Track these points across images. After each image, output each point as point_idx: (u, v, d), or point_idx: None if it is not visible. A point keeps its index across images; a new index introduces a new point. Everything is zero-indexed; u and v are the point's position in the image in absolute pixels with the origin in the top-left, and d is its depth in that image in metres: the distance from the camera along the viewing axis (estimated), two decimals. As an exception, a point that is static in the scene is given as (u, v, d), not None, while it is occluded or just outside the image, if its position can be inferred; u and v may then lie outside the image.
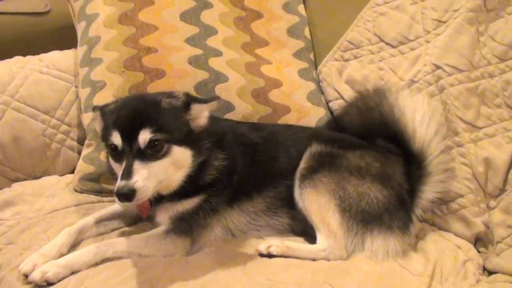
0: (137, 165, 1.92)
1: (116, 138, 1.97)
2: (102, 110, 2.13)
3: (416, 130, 2.29)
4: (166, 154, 1.99)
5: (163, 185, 2.04)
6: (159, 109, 2.04)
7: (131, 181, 1.88)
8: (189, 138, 2.06)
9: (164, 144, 1.98)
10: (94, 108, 2.21)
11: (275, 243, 2.10)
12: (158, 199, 2.14)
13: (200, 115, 2.10)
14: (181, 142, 2.03)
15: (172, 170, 2.03)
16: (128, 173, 1.90)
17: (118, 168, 1.98)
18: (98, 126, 2.17)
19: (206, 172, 2.14)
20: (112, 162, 2.08)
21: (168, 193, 2.11)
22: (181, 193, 2.12)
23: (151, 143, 1.95)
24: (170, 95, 2.10)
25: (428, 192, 2.28)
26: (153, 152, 1.96)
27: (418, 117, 2.31)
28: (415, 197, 2.26)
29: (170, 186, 2.09)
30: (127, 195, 1.87)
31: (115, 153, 2.00)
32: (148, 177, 1.92)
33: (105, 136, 2.06)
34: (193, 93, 2.52)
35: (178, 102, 2.07)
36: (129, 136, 1.96)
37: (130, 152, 1.95)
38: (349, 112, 2.59)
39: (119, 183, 1.89)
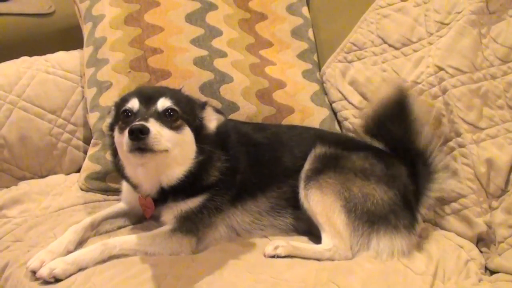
0: (152, 121, 1.93)
1: (133, 103, 2.01)
2: (116, 102, 2.17)
3: (423, 128, 2.31)
4: (179, 128, 2.01)
5: (164, 174, 2.06)
6: (180, 93, 2.14)
7: (146, 123, 1.89)
8: (198, 133, 2.09)
9: (179, 118, 2.01)
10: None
11: (281, 244, 2.11)
12: (163, 199, 2.15)
13: (211, 118, 2.15)
14: (192, 129, 2.07)
15: (177, 152, 2.01)
16: (144, 119, 1.91)
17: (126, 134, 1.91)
18: (110, 118, 2.18)
19: (210, 173, 2.15)
20: (117, 136, 2.05)
21: (170, 186, 2.10)
22: (185, 193, 2.13)
23: (169, 110, 1.99)
24: None
25: (436, 189, 2.30)
26: (168, 120, 1.99)
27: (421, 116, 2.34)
28: (423, 196, 2.28)
29: (171, 176, 2.08)
30: (141, 129, 1.84)
31: (127, 119, 1.99)
32: (161, 133, 1.92)
33: (116, 117, 2.09)
34: (198, 93, 2.55)
35: (195, 99, 2.16)
36: (148, 102, 2.00)
37: (146, 113, 1.97)
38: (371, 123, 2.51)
39: (134, 123, 1.88)
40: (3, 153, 2.59)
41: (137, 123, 1.87)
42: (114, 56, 2.61)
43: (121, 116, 2.04)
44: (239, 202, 2.26)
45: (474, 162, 2.37)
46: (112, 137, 2.15)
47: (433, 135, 2.33)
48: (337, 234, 2.13)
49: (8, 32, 3.20)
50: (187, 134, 2.05)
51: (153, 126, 1.90)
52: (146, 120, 1.92)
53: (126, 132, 1.87)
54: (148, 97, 2.03)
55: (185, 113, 2.04)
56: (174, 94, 2.09)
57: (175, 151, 2.01)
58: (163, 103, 2.00)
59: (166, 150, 1.95)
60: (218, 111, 2.20)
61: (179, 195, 2.14)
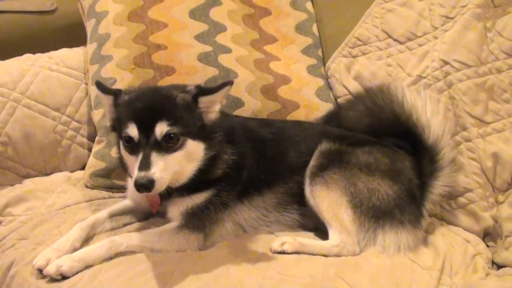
0: (154, 157, 1.93)
1: (133, 130, 1.98)
2: (115, 99, 2.12)
3: (430, 122, 2.31)
4: (181, 147, 2.00)
5: (175, 178, 2.05)
6: (174, 103, 2.05)
7: (150, 172, 1.89)
8: (202, 132, 2.07)
9: (180, 137, 1.99)
10: (104, 89, 2.16)
11: (288, 240, 2.11)
12: (168, 194, 2.14)
13: (211, 107, 2.10)
14: (194, 136, 2.04)
15: (185, 163, 2.04)
16: (146, 164, 1.91)
17: (133, 160, 1.98)
18: (108, 112, 2.15)
19: (216, 166, 2.15)
20: (125, 153, 2.07)
21: (177, 186, 2.11)
22: (190, 188, 2.13)
23: (167, 135, 1.96)
24: (183, 89, 2.11)
25: (440, 186, 2.29)
26: (169, 145, 1.97)
27: (429, 110, 2.33)
28: (426, 192, 2.27)
29: (180, 179, 2.09)
30: (146, 186, 1.88)
31: (130, 145, 2.00)
32: (165, 169, 1.93)
33: (118, 127, 2.07)
34: (203, 88, 2.54)
35: (189, 97, 2.08)
36: (146, 128, 1.97)
37: (146, 144, 1.95)
38: (356, 108, 2.58)
39: (138, 173, 1.89)
40: (7, 151, 2.59)
41: (142, 175, 1.88)
42: (118, 52, 2.61)
43: (123, 139, 2.03)
44: (245, 198, 2.25)
45: (480, 156, 2.37)
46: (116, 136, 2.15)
47: (444, 130, 2.32)
48: (344, 229, 2.13)
49: (11, 29, 3.19)
50: (190, 146, 2.03)
51: (157, 166, 1.91)
52: (148, 158, 1.92)
53: (133, 179, 1.92)
54: (145, 123, 1.98)
55: (184, 126, 2.01)
56: (169, 109, 2.02)
57: (181, 166, 2.03)
58: (161, 129, 1.96)
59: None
60: (211, 90, 2.10)
61: (185, 190, 2.13)
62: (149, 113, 2.00)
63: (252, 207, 2.26)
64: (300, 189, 2.26)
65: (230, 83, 2.09)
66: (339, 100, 2.78)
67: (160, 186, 1.92)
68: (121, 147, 2.09)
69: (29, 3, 3.32)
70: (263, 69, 2.71)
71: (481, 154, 2.37)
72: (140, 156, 1.94)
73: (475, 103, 2.40)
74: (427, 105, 2.33)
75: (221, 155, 2.15)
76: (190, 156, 2.05)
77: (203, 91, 2.10)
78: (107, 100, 2.14)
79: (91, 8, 2.78)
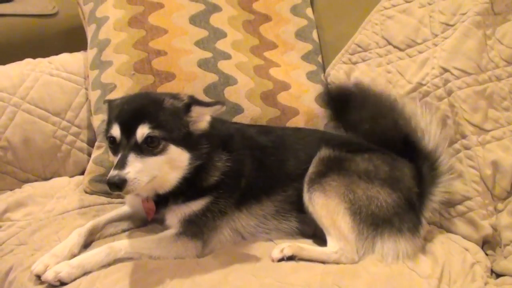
0: (132, 158, 1.94)
1: (115, 131, 2.00)
2: (110, 104, 2.16)
3: (429, 127, 2.32)
4: (162, 151, 2.00)
5: (157, 183, 2.06)
6: (160, 108, 2.06)
7: (123, 172, 1.89)
8: (187, 140, 2.07)
9: (161, 141, 1.99)
10: (105, 102, 2.26)
11: (287, 245, 2.10)
12: (164, 201, 2.15)
13: (201, 118, 2.10)
14: (178, 143, 2.04)
15: (167, 169, 2.04)
16: (122, 164, 1.92)
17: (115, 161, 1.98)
18: (106, 120, 2.18)
19: (209, 173, 2.15)
20: (110, 155, 2.10)
21: (164, 192, 2.12)
22: (185, 195, 2.13)
23: (148, 138, 1.97)
24: (175, 96, 2.13)
25: (440, 193, 2.29)
26: (149, 148, 1.97)
27: (428, 116, 2.34)
28: (426, 200, 2.27)
29: (165, 185, 2.10)
30: (117, 184, 1.88)
31: (113, 145, 2.02)
32: (141, 171, 1.93)
33: (106, 130, 2.09)
34: (202, 95, 2.54)
35: (179, 104, 2.09)
36: (128, 130, 1.98)
37: (127, 145, 1.97)
38: (359, 113, 2.59)
39: (112, 172, 1.91)
40: (7, 155, 2.60)
41: (114, 173, 1.89)
42: (118, 58, 2.61)
43: (107, 139, 2.06)
44: (244, 206, 2.24)
45: (479, 164, 2.36)
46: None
47: (442, 137, 2.32)
48: (342, 237, 2.12)
49: (12, 33, 3.21)
50: (173, 152, 2.03)
51: (132, 166, 1.92)
52: (125, 158, 1.93)
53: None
54: (128, 124, 2.00)
55: (167, 130, 2.01)
56: (154, 113, 2.03)
57: (163, 172, 2.03)
58: (141, 132, 1.97)
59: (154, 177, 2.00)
60: (207, 104, 2.15)
61: (180, 197, 2.14)
62: (133, 115, 2.03)
63: (251, 214, 2.25)
64: (299, 196, 2.24)
65: (222, 103, 2.13)
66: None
67: (133, 187, 1.91)
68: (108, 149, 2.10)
69: (31, 7, 3.33)
70: (263, 75, 2.71)
71: (480, 162, 2.36)
72: (119, 156, 1.95)
73: (475, 110, 2.39)
74: (426, 112, 2.34)
75: (214, 162, 2.15)
76: (172, 163, 2.04)
77: (197, 101, 2.12)
78: (105, 108, 2.17)
79: (92, 13, 2.78)
